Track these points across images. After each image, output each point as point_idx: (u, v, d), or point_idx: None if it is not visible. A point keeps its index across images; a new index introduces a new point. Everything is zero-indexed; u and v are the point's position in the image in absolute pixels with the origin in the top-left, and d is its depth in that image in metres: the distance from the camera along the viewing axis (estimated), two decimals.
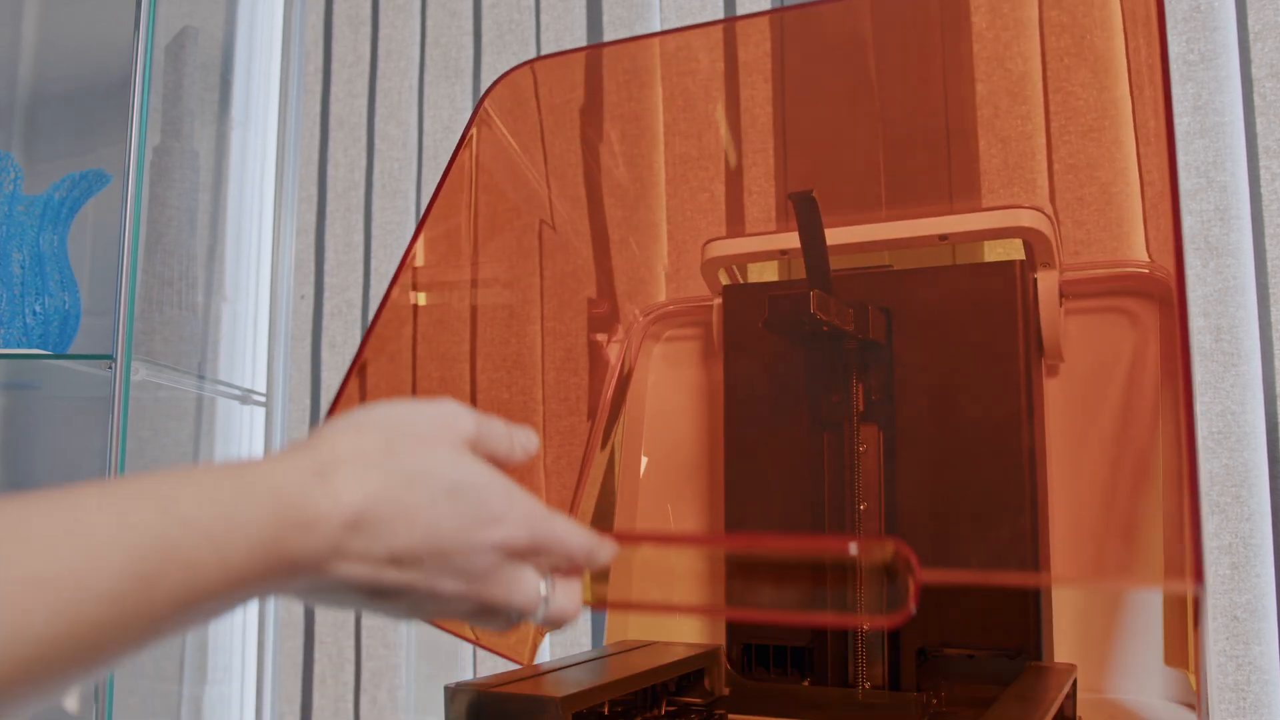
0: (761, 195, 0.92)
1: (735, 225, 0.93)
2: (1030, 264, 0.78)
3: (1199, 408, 0.85)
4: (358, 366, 0.76)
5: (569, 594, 0.47)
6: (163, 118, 1.50)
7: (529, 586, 0.45)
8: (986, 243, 0.79)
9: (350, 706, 1.47)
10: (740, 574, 0.79)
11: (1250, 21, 1.04)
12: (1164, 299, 0.78)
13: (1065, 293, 0.80)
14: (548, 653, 1.37)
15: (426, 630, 1.14)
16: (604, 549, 0.49)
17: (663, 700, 0.76)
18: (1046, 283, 0.77)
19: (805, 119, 0.91)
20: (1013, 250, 0.79)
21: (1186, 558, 0.57)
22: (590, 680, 0.66)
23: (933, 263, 0.81)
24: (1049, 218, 0.78)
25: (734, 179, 0.93)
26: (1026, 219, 0.77)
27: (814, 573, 0.78)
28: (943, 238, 0.79)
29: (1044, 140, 0.82)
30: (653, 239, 0.98)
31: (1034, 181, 0.83)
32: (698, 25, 0.94)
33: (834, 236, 0.84)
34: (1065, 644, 0.76)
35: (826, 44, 0.90)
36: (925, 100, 0.87)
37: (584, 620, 1.35)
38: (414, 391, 1.49)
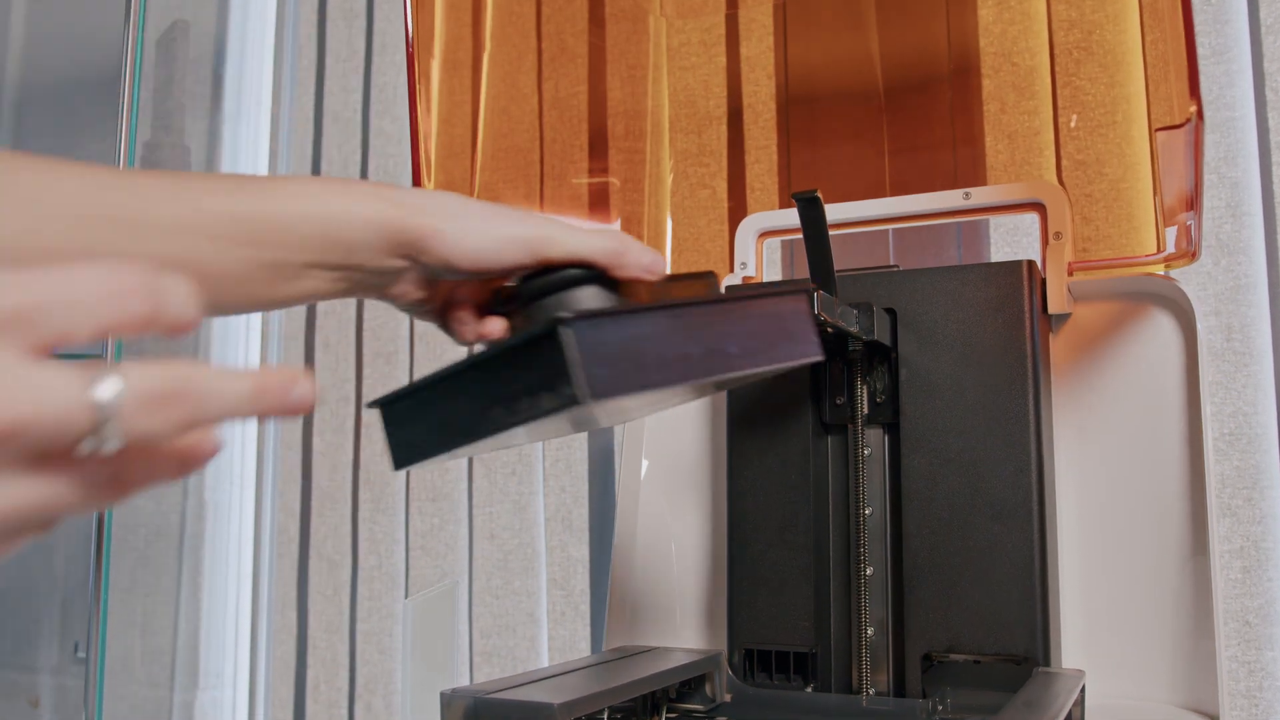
0: (765, 192, 0.91)
1: (737, 224, 0.92)
2: (1043, 235, 0.78)
3: (1209, 409, 0.84)
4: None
5: (151, 388, 0.29)
6: (154, 113, 1.48)
7: (40, 381, 0.28)
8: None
9: (344, 713, 1.45)
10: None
11: (1262, 15, 1.03)
12: (1175, 299, 0.77)
13: (1075, 294, 0.79)
14: (545, 658, 1.35)
15: (423, 635, 1.13)
16: (178, 293, 0.31)
17: (663, 707, 0.75)
18: (1056, 252, 0.77)
19: (808, 115, 0.90)
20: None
21: None
22: (589, 686, 0.65)
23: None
24: (1063, 190, 0.79)
25: (736, 176, 0.92)
26: (1042, 189, 0.78)
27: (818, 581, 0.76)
28: (966, 195, 0.79)
29: (1052, 136, 0.82)
30: (655, 237, 0.97)
31: (1041, 178, 0.82)
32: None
33: (848, 212, 0.84)
34: (1073, 649, 0.75)
35: (829, 35, 0.89)
36: (930, 95, 0.86)
37: (583, 625, 1.34)
38: None
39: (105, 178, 0.47)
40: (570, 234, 0.54)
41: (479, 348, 0.54)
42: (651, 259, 0.56)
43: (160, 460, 0.32)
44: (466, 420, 0.50)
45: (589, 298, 0.55)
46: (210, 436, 0.32)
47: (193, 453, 0.32)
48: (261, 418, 0.32)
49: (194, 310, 0.31)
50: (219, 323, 1.57)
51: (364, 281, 0.54)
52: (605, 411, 0.54)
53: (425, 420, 0.52)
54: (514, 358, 0.48)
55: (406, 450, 0.53)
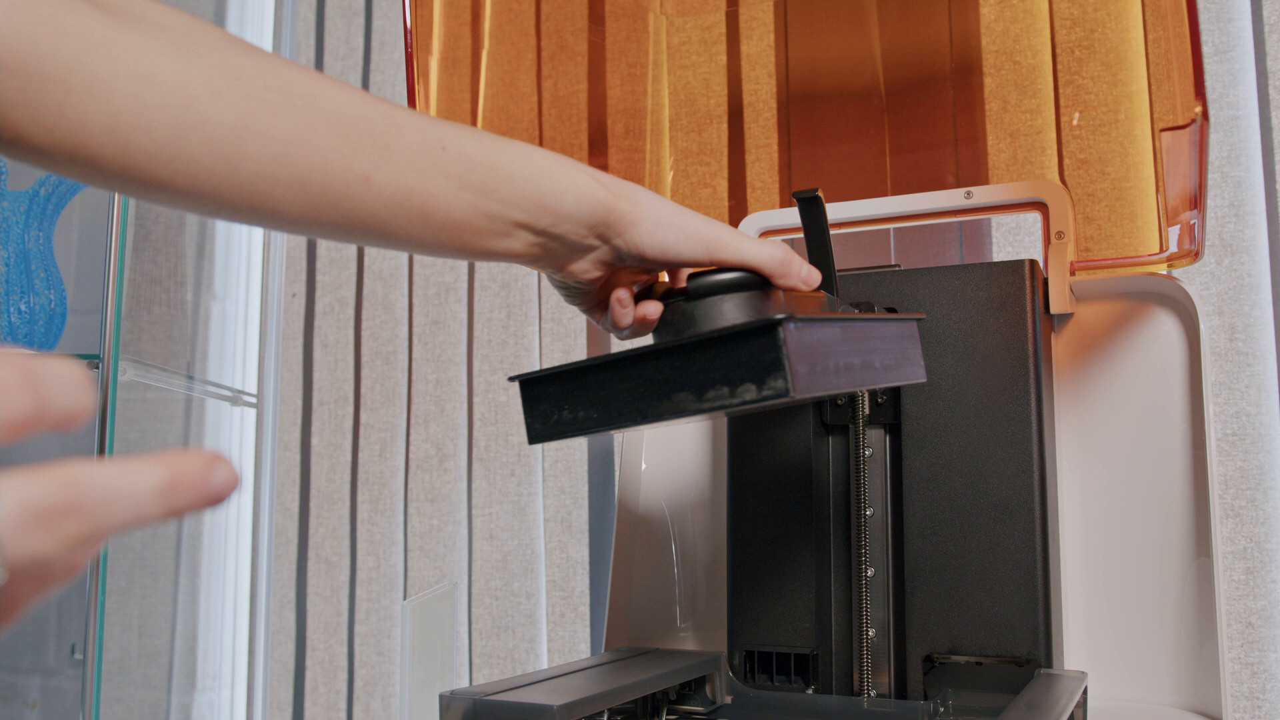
0: (765, 191, 0.91)
1: (738, 223, 0.91)
2: (1045, 234, 0.78)
3: (1212, 409, 0.84)
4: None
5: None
6: None
7: None
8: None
9: (343, 715, 1.45)
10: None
11: (1265, 13, 1.02)
12: (1178, 298, 0.76)
13: (1077, 293, 0.79)
14: (544, 660, 1.35)
15: (422, 637, 1.12)
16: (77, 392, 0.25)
17: (663, 708, 0.75)
18: (1058, 251, 0.77)
19: (809, 113, 0.90)
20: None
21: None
22: (589, 688, 0.64)
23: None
24: (1065, 189, 0.79)
25: (737, 175, 0.92)
26: (1044, 188, 0.78)
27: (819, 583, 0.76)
28: (968, 194, 0.79)
29: (1054, 135, 0.81)
30: None
31: (1043, 177, 0.81)
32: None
33: (849, 211, 0.83)
34: (1075, 651, 0.75)
35: (830, 33, 0.89)
36: (932, 93, 0.85)
37: (582, 626, 1.33)
38: (409, 397, 1.48)
39: (368, 101, 0.51)
40: (743, 240, 0.58)
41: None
42: (808, 272, 0.60)
43: (50, 575, 0.27)
44: (639, 403, 0.54)
45: (750, 301, 0.58)
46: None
47: (83, 557, 0.27)
48: (175, 517, 0.27)
49: (85, 400, 0.25)
50: (216, 322, 1.57)
51: (555, 252, 0.57)
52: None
53: (581, 400, 0.56)
54: (718, 348, 0.51)
55: (549, 426, 0.57)
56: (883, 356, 0.60)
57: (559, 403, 0.57)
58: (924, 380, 0.65)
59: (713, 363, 0.52)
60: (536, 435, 0.58)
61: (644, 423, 0.54)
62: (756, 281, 0.58)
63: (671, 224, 0.57)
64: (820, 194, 0.68)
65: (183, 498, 0.26)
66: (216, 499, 0.27)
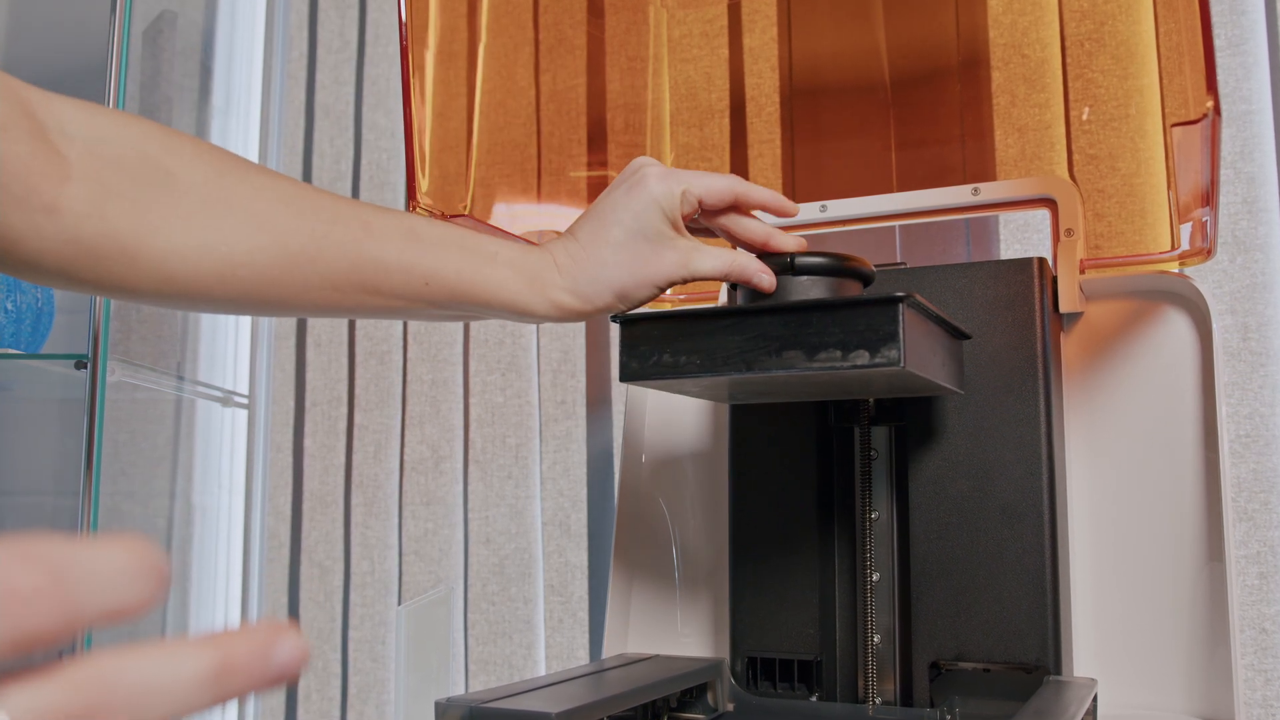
0: (768, 188, 0.90)
1: None
2: (1054, 231, 0.77)
3: (1224, 410, 0.83)
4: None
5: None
6: (141, 106, 1.46)
7: None
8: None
9: None
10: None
11: (1279, 5, 1.02)
12: (1190, 297, 0.76)
13: (1087, 292, 0.78)
14: (542, 666, 1.34)
15: (417, 642, 1.11)
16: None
17: (664, 716, 0.74)
18: (1068, 249, 0.76)
19: (813, 108, 0.89)
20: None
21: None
22: (587, 695, 0.64)
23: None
24: (1074, 185, 0.78)
25: (739, 171, 0.91)
26: (1053, 184, 0.78)
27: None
28: (975, 190, 0.79)
29: (1063, 130, 0.80)
30: None
31: (1052, 173, 0.80)
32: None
33: (853, 208, 0.82)
34: (1085, 657, 0.74)
35: (834, 26, 0.88)
36: (938, 88, 0.84)
37: (581, 632, 1.32)
38: (404, 398, 1.46)
39: (359, 240, 0.59)
40: (644, 290, 0.64)
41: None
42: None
43: None
44: (746, 354, 0.59)
45: (836, 288, 0.63)
46: None
47: None
48: (230, 701, 0.24)
49: (142, 591, 0.23)
50: (207, 321, 1.56)
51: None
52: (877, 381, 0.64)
53: (686, 345, 0.61)
54: (838, 313, 0.56)
55: (646, 366, 0.62)
56: (943, 358, 0.65)
57: (661, 345, 0.61)
58: (961, 392, 0.68)
59: (829, 327, 0.56)
60: (631, 374, 0.62)
61: (747, 373, 0.58)
62: (865, 274, 0.65)
63: (588, 280, 0.62)
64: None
65: (237, 682, 0.23)
66: (281, 678, 0.24)
